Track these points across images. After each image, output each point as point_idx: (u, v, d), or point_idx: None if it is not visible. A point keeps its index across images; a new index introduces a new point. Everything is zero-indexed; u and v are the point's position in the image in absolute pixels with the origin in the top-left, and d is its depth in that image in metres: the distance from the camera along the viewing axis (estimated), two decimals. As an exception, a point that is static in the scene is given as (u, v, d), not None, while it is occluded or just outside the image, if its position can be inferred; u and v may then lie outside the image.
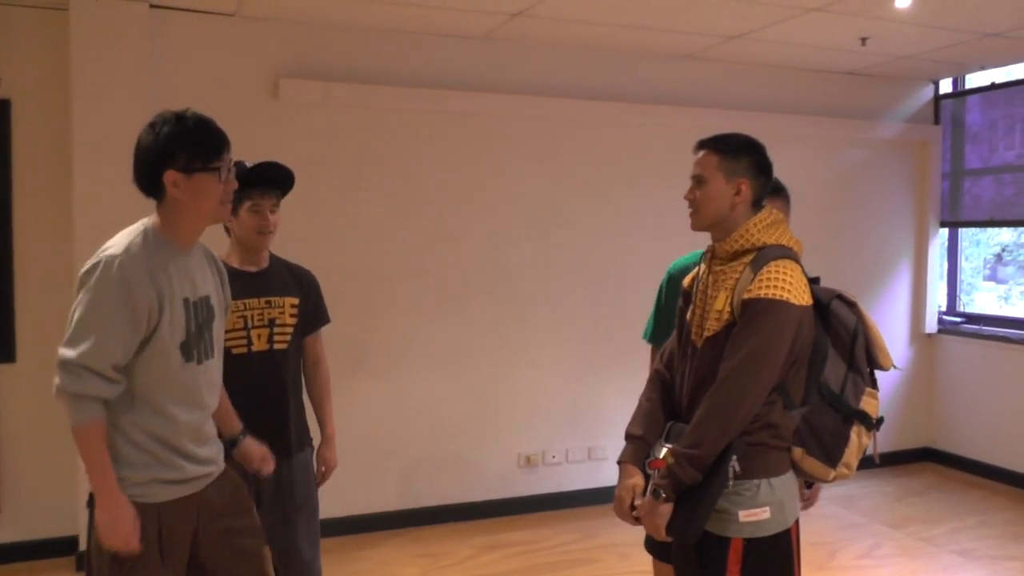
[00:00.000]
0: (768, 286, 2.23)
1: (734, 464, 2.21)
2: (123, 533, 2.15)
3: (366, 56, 4.91)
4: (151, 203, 2.33)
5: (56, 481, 4.52)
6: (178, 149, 2.19)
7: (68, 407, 2.14)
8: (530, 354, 5.37)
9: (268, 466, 2.72)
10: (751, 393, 2.21)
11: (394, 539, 4.91)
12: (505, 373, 5.32)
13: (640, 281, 5.50)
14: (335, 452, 3.18)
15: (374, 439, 4.99)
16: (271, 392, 2.97)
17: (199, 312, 2.30)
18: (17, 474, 4.53)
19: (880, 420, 2.37)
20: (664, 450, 2.33)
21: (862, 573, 4.53)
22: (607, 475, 5.50)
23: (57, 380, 2.13)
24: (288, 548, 3.00)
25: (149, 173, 2.21)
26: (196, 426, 2.30)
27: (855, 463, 2.34)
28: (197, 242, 2.38)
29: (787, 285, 2.23)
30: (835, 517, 5.31)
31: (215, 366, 2.39)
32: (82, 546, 4.31)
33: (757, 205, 2.40)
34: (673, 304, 3.13)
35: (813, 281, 2.39)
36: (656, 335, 3.19)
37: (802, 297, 2.26)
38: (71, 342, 2.12)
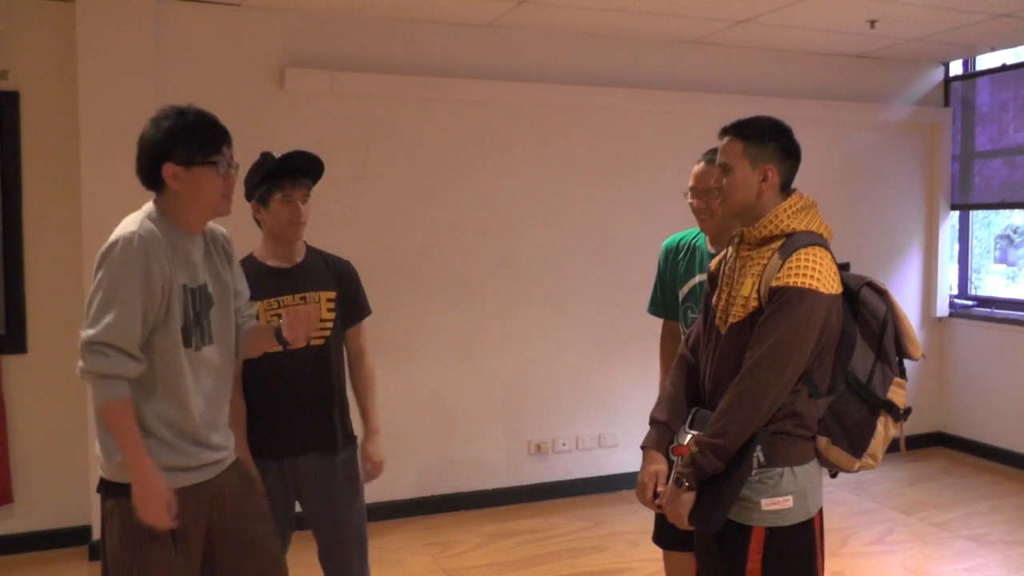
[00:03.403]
0: (797, 274, 2.19)
1: (758, 454, 2.19)
2: (158, 508, 2.16)
3: (372, 45, 4.90)
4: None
5: (68, 471, 4.54)
6: (177, 142, 2.21)
7: (93, 387, 2.15)
8: (539, 341, 5.37)
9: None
10: (777, 383, 2.17)
11: (404, 527, 4.93)
12: (514, 360, 5.32)
13: (649, 268, 5.48)
14: (380, 448, 3.03)
15: (383, 428, 4.98)
16: (310, 389, 2.91)
17: (196, 299, 2.31)
18: (29, 464, 4.55)
19: (908, 410, 2.33)
20: (688, 436, 2.31)
21: (874, 559, 4.52)
22: (617, 462, 5.50)
23: (81, 362, 2.14)
24: (333, 540, 2.99)
25: (150, 166, 2.24)
26: (204, 411, 2.31)
27: (881, 454, 2.31)
28: (201, 230, 2.38)
29: (816, 273, 2.19)
30: (846, 503, 5.31)
31: (215, 353, 2.38)
32: (95, 535, 4.34)
33: (786, 190, 2.35)
34: (666, 276, 3.21)
35: (843, 267, 2.34)
36: (656, 307, 3.32)
37: (831, 285, 2.21)
38: (93, 321, 2.13)
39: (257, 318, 2.81)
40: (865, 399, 2.27)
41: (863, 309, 2.30)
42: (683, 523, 2.25)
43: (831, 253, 2.29)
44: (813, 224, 2.31)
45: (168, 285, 2.20)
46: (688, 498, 2.22)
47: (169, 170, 2.21)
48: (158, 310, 2.19)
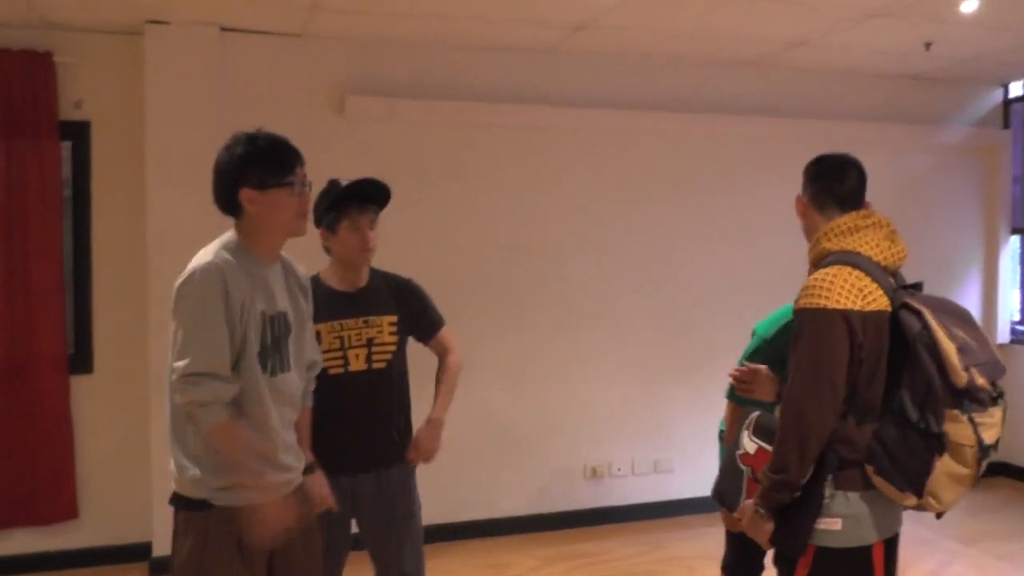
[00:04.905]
0: (805, 295, 2.23)
1: (829, 482, 2.21)
2: (275, 524, 2.28)
3: (430, 72, 4.99)
4: (222, 219, 2.41)
5: (131, 488, 4.65)
6: (251, 167, 2.28)
7: (196, 415, 2.21)
8: (595, 365, 5.37)
9: (325, 506, 2.70)
10: (812, 408, 2.17)
11: (459, 549, 4.94)
12: (570, 384, 5.33)
13: (703, 291, 5.48)
14: (432, 437, 3.00)
15: (440, 450, 5.02)
16: (371, 411, 2.96)
17: (275, 326, 2.36)
18: (94, 481, 4.68)
19: (985, 447, 2.10)
20: (754, 446, 2.37)
21: (934, 589, 4.43)
22: (673, 488, 5.46)
23: (178, 396, 2.20)
24: (389, 560, 3.01)
25: (226, 192, 2.31)
26: (278, 432, 2.37)
27: (945, 495, 2.15)
28: (279, 257, 2.44)
29: (824, 291, 2.18)
30: (903, 532, 5.15)
31: (291, 380, 2.44)
32: (156, 551, 4.43)
33: (826, 210, 2.38)
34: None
35: (914, 287, 2.32)
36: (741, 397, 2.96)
37: (849, 300, 2.17)
38: (183, 353, 2.18)
39: (320, 341, 2.88)
40: (912, 428, 2.15)
41: (903, 331, 2.21)
42: (767, 546, 2.32)
43: (863, 269, 2.23)
44: (855, 244, 2.29)
45: (247, 309, 2.25)
46: (768, 526, 2.27)
47: (246, 195, 2.27)
48: (238, 330, 2.24)
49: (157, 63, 4.46)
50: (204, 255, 2.27)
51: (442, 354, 3.16)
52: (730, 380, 2.63)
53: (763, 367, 2.55)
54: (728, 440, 2.99)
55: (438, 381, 3.13)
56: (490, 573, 4.64)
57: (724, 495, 2.54)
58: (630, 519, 5.39)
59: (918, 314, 2.19)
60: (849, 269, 2.22)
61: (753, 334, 2.97)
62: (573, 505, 5.34)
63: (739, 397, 2.89)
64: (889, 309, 2.23)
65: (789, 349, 2.31)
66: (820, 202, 2.39)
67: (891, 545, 2.35)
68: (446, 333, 3.18)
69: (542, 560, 4.81)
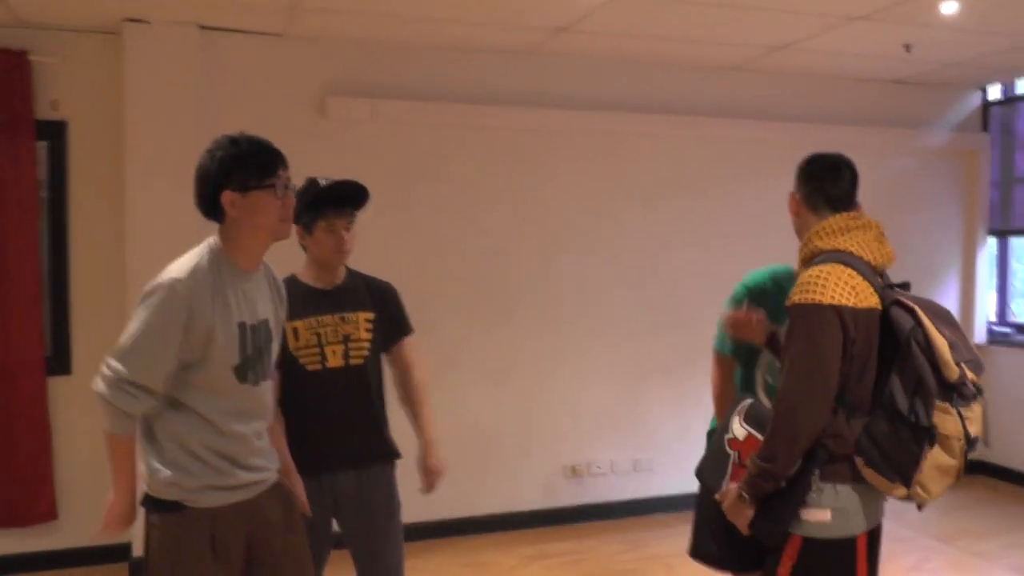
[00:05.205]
0: (798, 291, 2.27)
1: (816, 475, 2.24)
2: (115, 528, 2.33)
3: (412, 73, 4.99)
4: (201, 220, 2.39)
5: (109, 489, 4.60)
6: (233, 170, 2.25)
7: (103, 412, 2.23)
8: (576, 365, 5.39)
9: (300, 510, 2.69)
10: (805, 403, 2.21)
11: (439, 548, 4.95)
12: (551, 384, 5.35)
13: (685, 292, 5.50)
14: (437, 458, 3.05)
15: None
16: (349, 408, 2.96)
17: (257, 335, 2.35)
18: (73, 482, 4.65)
19: (971, 440, 2.21)
20: (744, 432, 2.40)
21: (912, 587, 4.47)
22: (653, 486, 5.49)
23: (101, 386, 2.21)
24: (371, 559, 3.02)
25: (208, 196, 2.28)
26: (250, 439, 2.36)
27: (933, 486, 2.22)
28: (260, 263, 2.42)
29: (818, 287, 2.23)
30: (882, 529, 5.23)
31: (270, 387, 2.45)
32: (135, 552, 4.41)
33: (819, 210, 2.44)
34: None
35: (901, 287, 2.37)
36: (726, 345, 3.05)
37: (842, 296, 2.22)
38: (122, 356, 2.19)
39: (297, 337, 2.89)
40: (902, 422, 2.22)
41: (894, 327, 2.27)
42: (745, 531, 2.35)
43: (855, 268, 2.29)
44: (845, 243, 2.34)
45: (211, 328, 2.23)
46: (749, 512, 2.31)
47: (227, 198, 2.25)
48: (196, 351, 2.22)
49: (135, 62, 4.44)
50: (180, 267, 2.24)
51: (405, 369, 3.14)
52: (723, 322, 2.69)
53: (759, 310, 2.65)
54: (717, 399, 3.08)
55: (414, 401, 3.12)
56: (471, 572, 4.65)
57: (707, 475, 2.56)
58: (610, 517, 5.42)
59: (911, 311, 2.25)
60: (842, 267, 2.27)
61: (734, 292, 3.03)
62: (553, 503, 5.36)
63: (727, 345, 3.00)
64: (879, 307, 2.28)
65: (777, 305, 2.40)
66: (813, 201, 2.45)
67: (874, 535, 2.40)
68: (411, 343, 3.17)
69: (523, 558, 4.83)
